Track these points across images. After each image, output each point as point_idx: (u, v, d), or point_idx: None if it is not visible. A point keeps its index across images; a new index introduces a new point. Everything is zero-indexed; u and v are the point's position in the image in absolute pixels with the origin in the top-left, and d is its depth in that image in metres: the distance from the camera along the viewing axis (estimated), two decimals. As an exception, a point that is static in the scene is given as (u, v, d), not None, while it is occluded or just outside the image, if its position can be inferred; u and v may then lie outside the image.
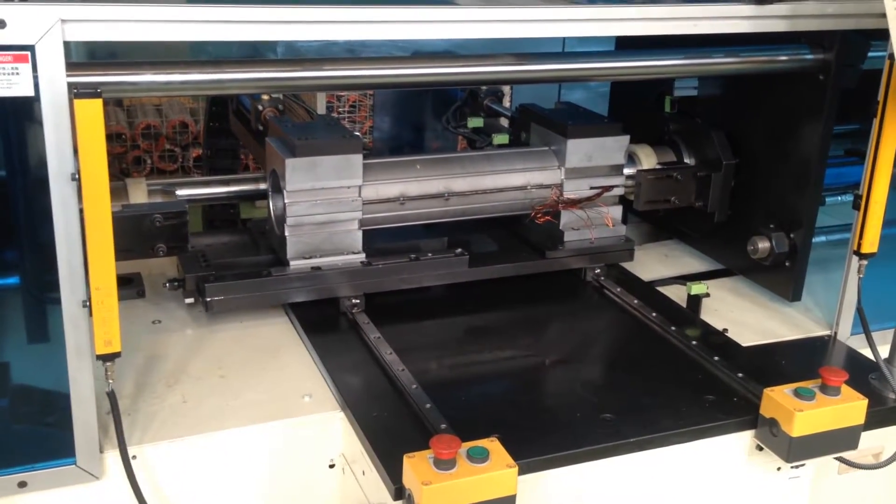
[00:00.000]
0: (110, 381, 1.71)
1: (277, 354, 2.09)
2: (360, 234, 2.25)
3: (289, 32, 1.75)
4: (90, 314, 1.60)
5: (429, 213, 2.37)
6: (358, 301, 2.23)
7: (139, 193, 2.10)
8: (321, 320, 2.21)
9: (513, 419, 1.85)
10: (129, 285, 2.27)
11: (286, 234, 2.17)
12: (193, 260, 2.22)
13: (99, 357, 1.64)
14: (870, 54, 2.24)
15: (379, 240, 2.35)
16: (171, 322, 2.23)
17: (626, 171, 2.53)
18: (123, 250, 1.92)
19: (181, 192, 2.21)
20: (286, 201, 2.14)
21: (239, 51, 2.79)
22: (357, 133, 2.34)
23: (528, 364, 2.15)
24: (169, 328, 2.21)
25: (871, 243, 2.13)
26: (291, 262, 2.19)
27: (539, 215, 2.41)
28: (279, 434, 1.83)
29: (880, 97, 2.04)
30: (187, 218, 2.07)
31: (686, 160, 2.61)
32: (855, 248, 2.16)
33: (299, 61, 2.01)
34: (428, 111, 3.34)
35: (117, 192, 2.04)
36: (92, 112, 1.50)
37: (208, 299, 2.12)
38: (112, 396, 1.71)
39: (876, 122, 2.07)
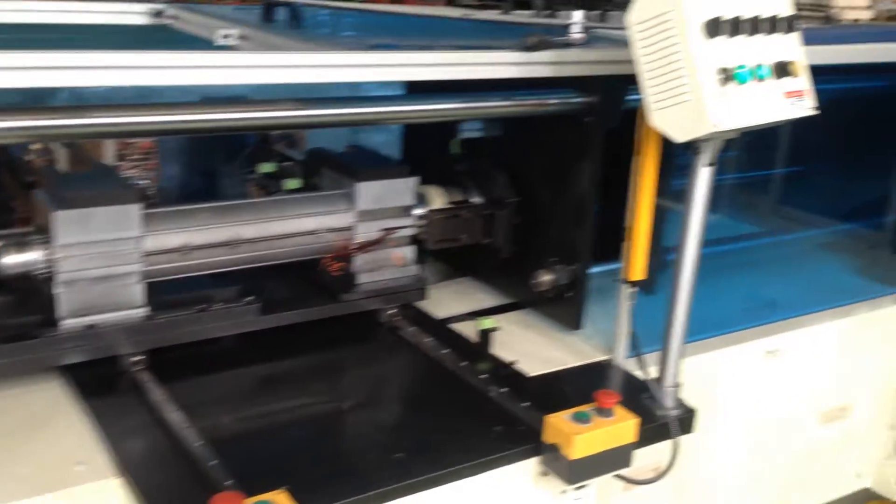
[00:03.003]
0: None
1: (48, 422, 1.95)
2: (140, 287, 2.16)
3: (62, 79, 1.67)
4: None
5: (217, 262, 2.31)
6: (140, 358, 2.13)
7: None
8: (99, 382, 2.08)
9: (304, 468, 1.82)
10: None
11: (57, 291, 2.04)
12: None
13: None
14: (629, 97, 2.42)
15: (168, 291, 2.26)
16: (-76, 394, 2.03)
17: (418, 211, 2.58)
18: None
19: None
20: (56, 256, 2.02)
21: (17, 98, 2.62)
22: (145, 182, 2.25)
23: (321, 411, 2.13)
24: (-81, 400, 2.01)
25: (638, 271, 2.29)
26: (64, 322, 2.06)
27: (330, 264, 2.41)
28: (50, 508, 1.70)
29: (637, 136, 2.21)
30: None
31: (473, 199, 2.70)
32: (624, 276, 2.31)
33: (73, 108, 1.91)
34: (219, 158, 3.28)
35: None
36: None
37: (-32, 367, 1.96)
38: None
39: (635, 159, 2.23)
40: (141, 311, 2.15)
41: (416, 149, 3.05)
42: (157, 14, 3.08)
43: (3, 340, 2.00)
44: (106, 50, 1.70)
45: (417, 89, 2.51)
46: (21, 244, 2.06)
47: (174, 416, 1.93)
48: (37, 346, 2.02)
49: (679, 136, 1.94)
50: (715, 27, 1.85)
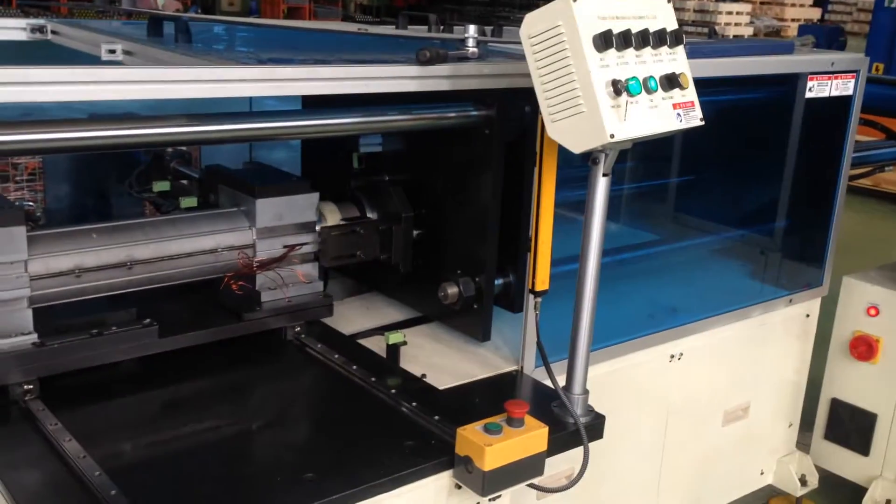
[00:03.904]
0: None
1: (-69, 458, 1.83)
2: (29, 312, 2.05)
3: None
4: None
5: (111, 284, 2.22)
6: (31, 387, 2.02)
7: None
8: (-13, 413, 1.97)
9: (210, 493, 1.77)
10: None
11: (-63, 319, 1.93)
12: None
13: None
14: (526, 109, 2.46)
15: (58, 316, 2.16)
16: None
17: (319, 227, 2.55)
18: None
19: None
20: (-66, 283, 1.90)
21: None
22: (31, 203, 2.15)
23: (227, 433, 2.07)
24: None
25: (542, 281, 2.32)
26: (-54, 351, 1.94)
27: (232, 283, 2.35)
28: (-65, 551, 1.60)
29: (537, 148, 2.25)
30: None
31: (369, 214, 2.67)
32: (530, 287, 2.34)
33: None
34: (111, 176, 3.16)
35: None
36: None
37: None
38: None
39: (536, 170, 2.27)
40: (30, 338, 2.04)
41: (315, 164, 3.02)
42: (38, 29, 2.96)
43: None
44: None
45: (314, 104, 2.49)
46: None
47: (70, 446, 1.84)
48: (-84, 378, 1.90)
49: (576, 146, 1.99)
50: (605, 41, 1.90)
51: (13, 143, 1.88)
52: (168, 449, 2.00)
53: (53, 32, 2.90)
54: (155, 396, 2.21)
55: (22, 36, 2.92)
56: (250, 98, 2.80)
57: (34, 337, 2.05)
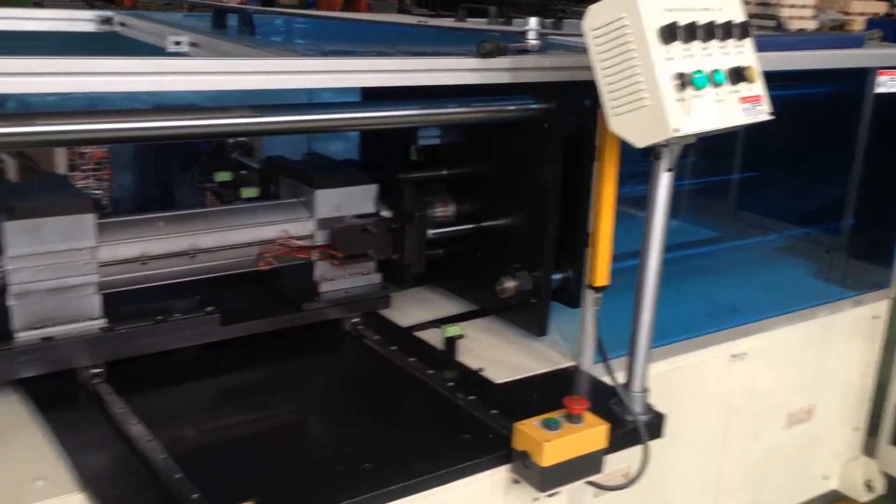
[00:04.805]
0: None
1: (5, 437, 1.89)
2: (97, 298, 2.10)
3: (5, 86, 1.61)
4: None
5: (175, 272, 2.26)
6: (99, 371, 2.07)
7: None
8: (57, 395, 2.02)
9: (271, 480, 1.78)
10: None
11: (10, 303, 1.98)
12: None
13: None
14: (586, 102, 2.44)
15: (124, 303, 2.21)
16: None
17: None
18: None
19: None
20: (7, 268, 1.96)
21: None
22: (98, 192, 2.20)
23: (286, 421, 2.10)
24: None
25: (601, 277, 2.29)
26: (18, 334, 1.99)
27: (263, 261, 2.35)
28: (8, 526, 1.65)
29: (597, 142, 2.22)
30: None
31: (383, 213, 2.56)
32: (589, 282, 2.32)
33: (17, 115, 1.85)
34: (174, 166, 3.22)
35: None
36: None
37: (-85, 384, 1.89)
38: None
39: (596, 164, 2.24)
40: (98, 323, 2.09)
41: (374, 156, 3.02)
42: (106, 21, 3.02)
43: (-43, 354, 1.94)
44: (55, 56, 1.65)
45: (373, 97, 2.50)
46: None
47: (136, 429, 1.88)
48: (-10, 359, 1.96)
49: (639, 141, 1.96)
50: (671, 33, 1.87)
51: (81, 132, 1.93)
52: (228, 435, 2.04)
53: (121, 24, 2.96)
54: (216, 383, 2.25)
55: (90, 27, 2.98)
56: (309, 90, 2.83)
57: (102, 322, 2.10)
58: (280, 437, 2.03)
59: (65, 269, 2.03)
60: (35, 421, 1.95)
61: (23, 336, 2.00)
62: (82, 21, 2.99)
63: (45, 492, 1.71)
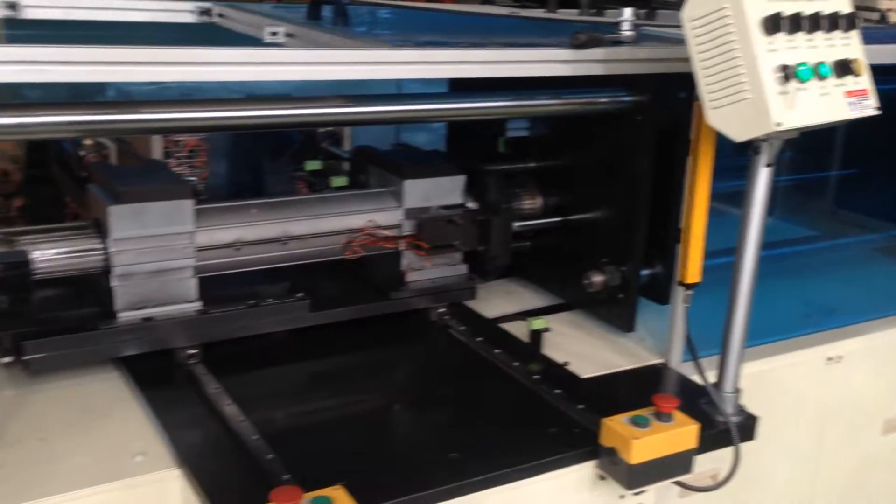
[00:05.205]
0: None
1: (107, 413, 1.96)
2: (194, 281, 2.16)
3: (110, 74, 1.66)
4: None
5: (267, 258, 2.31)
6: (195, 352, 2.14)
7: None
8: (155, 374, 2.09)
9: (359, 465, 1.80)
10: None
11: (113, 284, 2.06)
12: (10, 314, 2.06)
13: None
14: (681, 95, 2.39)
15: (217, 287, 2.27)
16: (-15, 384, 2.06)
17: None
18: None
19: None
20: (111, 250, 2.03)
21: (65, 95, 2.64)
22: (192, 178, 2.26)
23: (373, 408, 2.12)
24: (-17, 391, 2.03)
25: (693, 274, 2.25)
26: (121, 314, 2.07)
27: (351, 250, 2.38)
28: (109, 498, 1.71)
29: (692, 136, 2.18)
30: (30, 268, 1.95)
31: (469, 204, 2.54)
32: (679, 278, 2.27)
33: (121, 103, 1.91)
34: (266, 155, 3.29)
35: None
36: None
37: (27, 357, 1.97)
38: (-88, 468, 1.55)
39: (690, 159, 2.20)
40: (195, 306, 2.16)
41: (461, 147, 3.02)
42: (205, 12, 3.10)
43: (64, 332, 2.02)
44: (154, 46, 1.70)
45: (459, 87, 2.50)
46: (77, 238, 2.08)
47: (229, 409, 1.93)
48: (96, 337, 2.04)
49: (738, 135, 1.91)
50: (774, 24, 1.82)
51: (177, 120, 1.98)
52: (317, 419, 2.07)
53: (219, 15, 3.03)
54: (304, 368, 2.29)
55: (190, 19, 3.06)
56: (397, 81, 2.85)
57: (198, 305, 2.16)
58: (367, 422, 2.05)
59: (165, 252, 2.10)
60: (135, 398, 2.03)
61: (125, 316, 2.08)
62: (182, 12, 3.07)
63: (145, 466, 1.77)
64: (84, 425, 1.91)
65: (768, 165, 2.01)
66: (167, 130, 2.73)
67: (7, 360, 2.00)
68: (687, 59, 1.91)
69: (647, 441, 1.80)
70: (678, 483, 1.98)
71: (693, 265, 2.24)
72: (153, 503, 1.76)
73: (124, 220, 2.04)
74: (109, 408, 1.98)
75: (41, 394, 2.02)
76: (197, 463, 1.76)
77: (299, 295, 2.31)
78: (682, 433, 1.85)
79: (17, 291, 1.92)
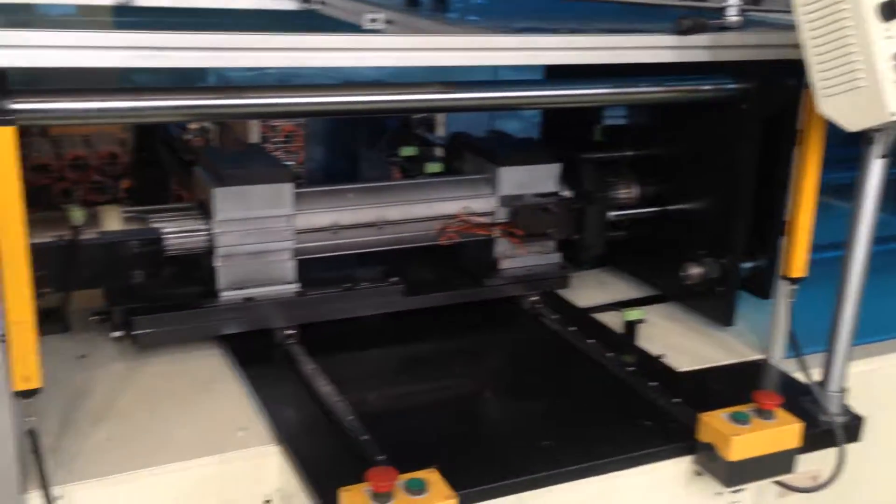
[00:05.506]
0: (30, 419, 1.63)
1: (209, 388, 2.03)
2: (293, 263, 2.21)
3: (215, 59, 1.71)
4: (7, 349, 1.52)
5: (363, 242, 2.35)
6: (293, 332, 2.19)
7: (113, 221, 2.05)
8: (255, 352, 2.15)
9: (452, 449, 1.82)
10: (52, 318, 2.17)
11: (217, 264, 2.12)
12: (121, 291, 2.15)
13: (17, 394, 1.57)
14: (790, 83, 2.31)
15: (313, 269, 2.31)
16: (97, 356, 2.15)
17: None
18: (99, 277, 1.97)
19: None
20: (215, 231, 2.10)
21: (169, 80, 2.73)
22: (289, 163, 2.31)
23: (466, 393, 2.13)
24: (95, 363, 2.12)
25: (799, 268, 2.18)
26: (223, 294, 2.14)
27: (445, 236, 2.38)
28: (212, 470, 1.77)
29: (801, 125, 2.10)
30: (162, 245, 2.04)
31: (564, 192, 2.52)
32: (784, 272, 2.20)
33: (225, 89, 1.97)
34: (361, 140, 3.33)
35: (92, 219, 2.01)
36: (5, 140, 1.44)
37: (137, 332, 2.05)
38: (32, 434, 1.63)
39: (797, 149, 2.12)
40: (293, 287, 2.20)
41: (556, 135, 2.99)
42: (306, -1, 3.15)
43: (171, 309, 2.09)
44: (257, 32, 1.74)
45: (556, 74, 2.47)
46: (183, 219, 2.15)
47: (326, 389, 1.97)
48: (200, 315, 2.11)
49: (851, 124, 1.84)
50: (891, 10, 1.73)
51: (280, 105, 2.03)
52: (410, 403, 2.09)
53: (320, 2, 3.07)
54: (398, 351, 2.32)
55: (292, 5, 3.11)
56: (493, 68, 2.83)
57: (296, 286, 2.21)
58: (459, 407, 2.07)
59: (266, 234, 2.15)
60: (235, 374, 2.09)
61: (227, 295, 2.14)
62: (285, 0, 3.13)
63: (246, 441, 1.83)
64: (188, 399, 1.98)
65: (883, 157, 1.93)
66: (270, 115, 2.80)
67: (118, 334, 2.09)
68: (797, 46, 1.85)
69: (747, 438, 1.75)
70: (778, 483, 1.92)
71: (799, 259, 2.17)
72: (252, 477, 1.81)
73: (228, 201, 2.10)
74: (211, 383, 2.05)
75: (148, 368, 2.11)
76: (295, 440, 1.80)
77: (394, 279, 2.34)
78: (784, 431, 1.80)
79: (150, 267, 2.02)
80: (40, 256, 1.80)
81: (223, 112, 2.08)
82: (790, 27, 1.86)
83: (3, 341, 1.52)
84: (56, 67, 1.53)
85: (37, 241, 1.89)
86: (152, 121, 2.63)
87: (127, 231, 2.04)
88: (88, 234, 1.98)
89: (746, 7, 2.38)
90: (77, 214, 1.96)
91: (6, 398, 1.56)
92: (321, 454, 1.77)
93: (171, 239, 2.10)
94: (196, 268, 2.26)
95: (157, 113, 1.90)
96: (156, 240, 2.05)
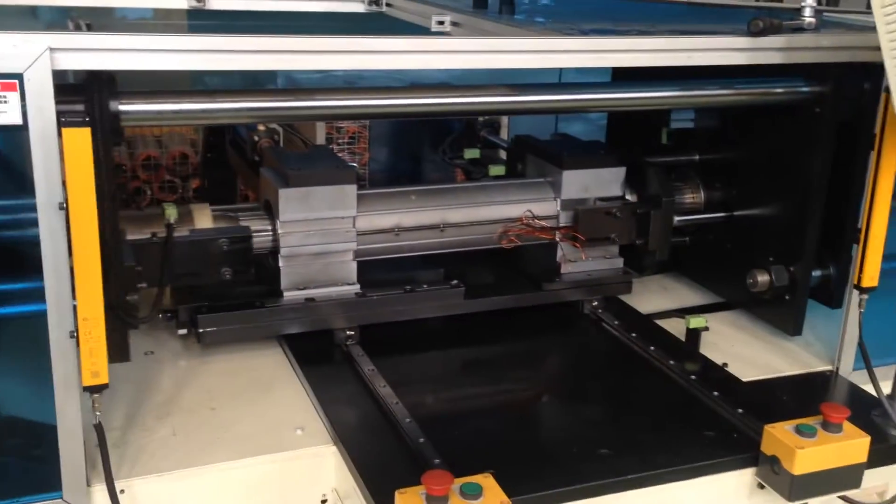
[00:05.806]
0: (97, 414, 1.68)
1: (270, 387, 2.06)
2: (354, 265, 2.23)
3: (286, 62, 1.74)
4: (77, 345, 1.57)
5: (424, 245, 2.35)
6: (352, 333, 2.21)
7: (205, 219, 2.11)
8: (315, 352, 2.18)
9: (508, 454, 1.81)
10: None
11: (280, 264, 2.15)
12: (186, 290, 2.20)
13: (86, 389, 1.62)
14: (866, 86, 2.24)
15: (374, 271, 2.33)
16: (163, 353, 2.21)
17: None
18: (190, 274, 2.03)
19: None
20: (280, 232, 2.13)
21: (239, 82, 2.79)
22: (353, 164, 2.32)
23: (524, 398, 2.12)
24: (161, 359, 2.18)
25: (871, 277, 2.11)
26: (285, 294, 2.17)
27: (506, 239, 2.37)
28: (270, 468, 1.80)
29: (877, 130, 2.03)
30: (252, 243, 2.09)
31: (628, 196, 2.48)
32: (855, 282, 2.13)
33: (293, 91, 2.00)
34: (425, 142, 3.34)
35: (183, 217, 2.07)
36: (79, 140, 1.49)
37: (201, 330, 2.10)
38: (99, 429, 1.68)
39: (873, 154, 2.06)
40: (354, 288, 2.22)
41: (621, 138, 2.96)
42: (374, 2, 3.18)
43: (233, 308, 2.13)
44: (326, 35, 1.76)
45: (622, 76, 2.43)
46: (251, 219, 2.19)
47: (384, 391, 1.98)
48: (263, 314, 2.14)
49: (930, 130, 1.77)
50: (976, 11, 1.66)
51: (346, 107, 2.05)
52: (468, 406, 2.09)
53: (388, 5, 3.10)
54: (456, 354, 2.32)
55: (360, 8, 3.15)
56: (559, 71, 2.81)
57: (357, 288, 2.23)
58: (517, 412, 2.05)
59: (329, 235, 2.18)
60: (295, 374, 2.12)
61: (289, 296, 2.17)
62: (353, 2, 3.17)
63: (304, 440, 1.85)
64: (249, 397, 2.01)
65: (962, 163, 1.85)
66: (337, 117, 2.84)
67: (183, 331, 2.14)
68: (875, 48, 1.79)
69: (812, 451, 1.70)
70: (843, 498, 1.86)
71: (871, 268, 2.11)
72: (309, 476, 1.83)
73: (293, 202, 2.13)
74: (272, 382, 2.09)
75: (211, 365, 2.15)
76: (352, 441, 1.81)
77: (454, 282, 2.34)
78: (851, 446, 1.74)
79: (240, 265, 2.07)
80: (136, 253, 1.88)
81: (294, 114, 2.12)
82: (868, 29, 1.81)
83: (74, 337, 1.57)
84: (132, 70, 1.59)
85: (133, 237, 1.97)
86: (224, 122, 2.70)
87: (219, 229, 2.10)
88: (180, 232, 2.04)
89: (822, 8, 2.32)
90: (171, 212, 2.02)
91: (76, 393, 1.61)
92: (377, 456, 1.78)
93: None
94: (260, 268, 2.31)
95: (230, 115, 1.96)
96: (246, 238, 2.09)
